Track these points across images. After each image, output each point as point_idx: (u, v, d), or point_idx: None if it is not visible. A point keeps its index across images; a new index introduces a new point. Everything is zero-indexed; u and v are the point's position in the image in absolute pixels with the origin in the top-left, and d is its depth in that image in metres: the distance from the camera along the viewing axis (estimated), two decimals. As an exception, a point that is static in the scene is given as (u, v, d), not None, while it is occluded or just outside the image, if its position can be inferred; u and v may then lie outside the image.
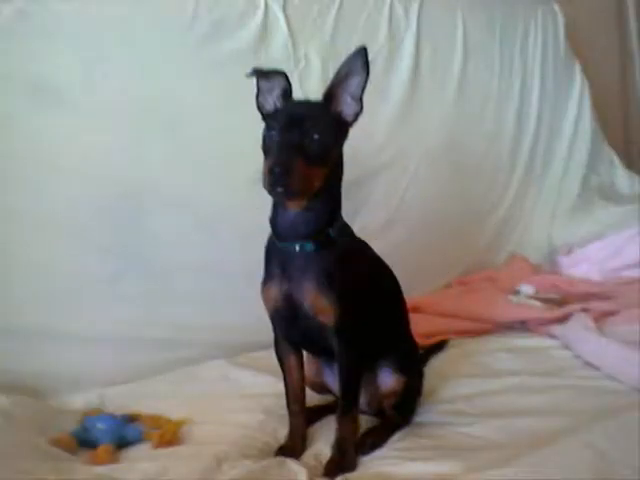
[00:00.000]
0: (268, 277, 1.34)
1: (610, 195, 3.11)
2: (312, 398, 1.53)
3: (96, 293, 1.80)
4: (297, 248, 1.28)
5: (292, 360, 1.43)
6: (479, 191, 2.83)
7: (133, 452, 1.40)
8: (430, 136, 2.61)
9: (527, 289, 2.41)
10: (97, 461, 1.33)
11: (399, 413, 1.48)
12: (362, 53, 1.26)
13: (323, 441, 1.41)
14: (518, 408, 1.52)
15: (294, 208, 1.27)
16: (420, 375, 1.56)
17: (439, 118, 2.67)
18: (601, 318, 2.06)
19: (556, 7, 3.19)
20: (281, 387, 1.45)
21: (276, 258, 1.32)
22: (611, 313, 2.12)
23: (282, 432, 1.45)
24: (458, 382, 1.71)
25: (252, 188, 1.23)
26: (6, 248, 1.68)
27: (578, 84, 3.19)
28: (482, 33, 2.86)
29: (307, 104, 1.33)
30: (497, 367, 1.82)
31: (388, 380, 1.45)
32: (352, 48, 1.27)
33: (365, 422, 1.46)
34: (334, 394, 1.52)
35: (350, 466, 1.30)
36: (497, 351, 1.94)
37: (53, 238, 1.75)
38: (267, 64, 1.38)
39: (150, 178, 1.88)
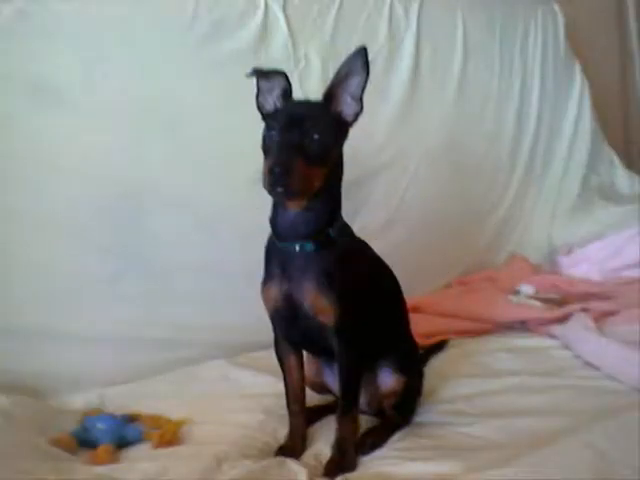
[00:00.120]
0: (268, 277, 1.34)
1: (610, 195, 3.11)
2: (312, 398, 1.53)
3: (96, 293, 1.80)
4: (297, 248, 1.28)
5: (292, 360, 1.43)
6: (479, 191, 2.83)
7: (133, 452, 1.40)
8: (430, 136, 2.61)
9: (527, 289, 2.41)
10: (97, 461, 1.33)
11: (399, 413, 1.48)
12: (362, 53, 1.26)
13: (323, 441, 1.41)
14: (518, 408, 1.52)
15: (294, 208, 1.27)
16: (420, 375, 1.56)
17: (439, 118, 2.67)
18: (601, 318, 2.06)
19: (556, 7, 3.19)
20: (281, 387, 1.45)
21: (276, 258, 1.32)
22: (611, 313, 2.12)
23: (282, 432, 1.45)
24: (458, 382, 1.71)
25: (252, 188, 1.23)
26: (6, 248, 1.68)
27: (578, 84, 3.19)
28: (482, 33, 2.86)
29: (307, 104, 1.33)
30: (497, 367, 1.82)
31: (388, 380, 1.45)
32: (352, 48, 1.27)
33: (365, 422, 1.46)
34: (334, 394, 1.52)
35: (350, 466, 1.30)
36: (497, 351, 1.94)
37: (53, 238, 1.75)
38: (267, 64, 1.38)
39: (150, 178, 1.88)
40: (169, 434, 1.42)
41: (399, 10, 2.54)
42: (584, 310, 2.10)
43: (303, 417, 1.44)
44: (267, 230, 1.34)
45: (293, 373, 1.43)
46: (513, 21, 3.00)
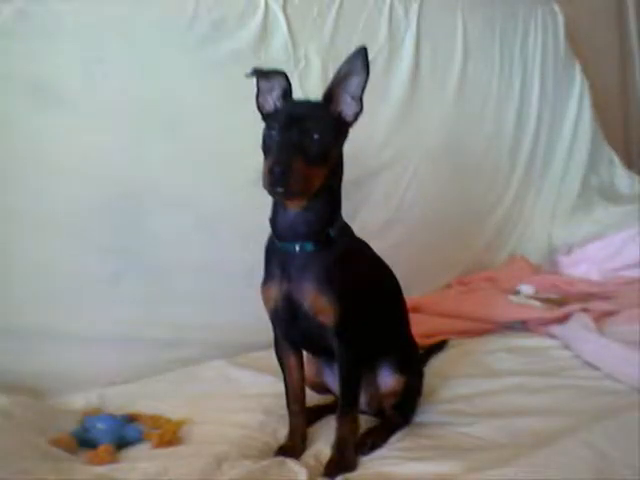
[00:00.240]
0: (268, 277, 1.34)
1: (610, 195, 3.11)
2: (312, 398, 1.53)
3: (96, 293, 1.80)
4: (297, 248, 1.28)
5: (292, 360, 1.43)
6: (479, 191, 2.83)
7: (133, 452, 1.40)
8: (430, 136, 2.61)
9: (527, 289, 2.41)
10: (97, 461, 1.32)
11: (399, 413, 1.48)
12: (362, 53, 1.26)
13: (323, 441, 1.41)
14: (518, 408, 1.52)
15: (294, 208, 1.27)
16: (420, 375, 1.56)
17: (439, 118, 2.67)
18: (601, 318, 2.07)
19: (556, 7, 3.19)
20: (281, 387, 1.45)
21: (276, 258, 1.32)
22: (611, 313, 2.12)
23: (282, 432, 1.45)
24: (458, 382, 1.71)
25: (252, 188, 1.23)
26: (6, 248, 1.68)
27: (578, 84, 3.19)
28: (482, 33, 2.86)
29: (307, 104, 1.33)
30: (497, 367, 1.82)
31: (388, 380, 1.45)
32: (352, 48, 1.27)
33: (365, 422, 1.46)
34: (334, 394, 1.52)
35: (350, 466, 1.30)
36: (497, 351, 1.94)
37: (53, 238, 1.75)
38: (267, 64, 1.38)
39: (150, 178, 1.88)
40: (169, 434, 1.42)
41: (399, 10, 2.54)
42: (584, 310, 2.10)
43: (303, 417, 1.44)
44: (267, 230, 1.34)
45: (293, 373, 1.43)
46: (513, 21, 3.01)
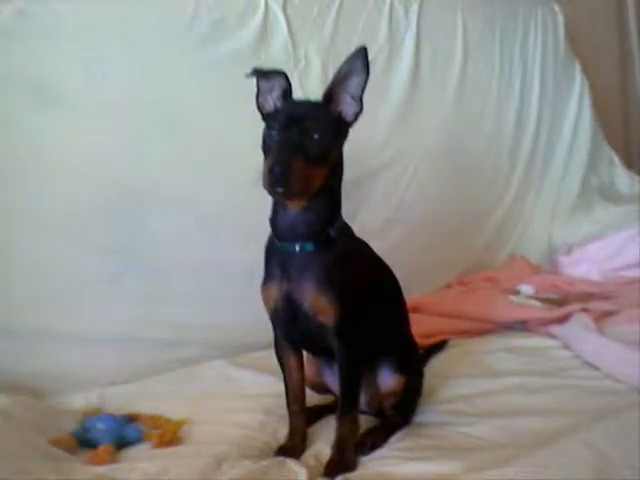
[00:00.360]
0: (268, 277, 1.34)
1: (610, 195, 3.11)
2: (312, 398, 1.53)
3: (96, 293, 1.80)
4: (297, 248, 1.28)
5: (292, 360, 1.43)
6: (479, 191, 2.83)
7: (133, 452, 1.40)
8: (430, 136, 2.61)
9: (527, 289, 2.41)
10: (97, 461, 1.32)
11: (399, 413, 1.48)
12: (362, 53, 1.26)
13: (323, 441, 1.41)
14: (518, 408, 1.52)
15: (294, 208, 1.27)
16: (420, 375, 1.56)
17: (439, 118, 2.67)
18: (601, 318, 2.07)
19: (556, 7, 3.19)
20: (281, 387, 1.45)
21: (276, 258, 1.32)
22: (611, 313, 2.12)
23: (282, 432, 1.45)
24: (458, 382, 1.71)
25: (252, 188, 1.23)
26: (6, 248, 1.68)
27: (578, 84, 3.19)
28: (482, 33, 2.86)
29: (307, 104, 1.33)
30: (497, 367, 1.82)
31: (388, 380, 1.45)
32: (352, 48, 1.27)
33: (365, 422, 1.46)
34: (334, 394, 1.52)
35: (350, 466, 1.30)
36: (497, 351, 1.94)
37: (53, 238, 1.75)
38: (267, 64, 1.38)
39: (150, 178, 1.88)
40: (169, 434, 1.42)
41: (399, 10, 2.54)
42: (584, 310, 2.10)
43: (303, 417, 1.44)
44: (267, 230, 1.34)
45: (293, 373, 1.43)
46: (513, 21, 3.01)
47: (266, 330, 1.42)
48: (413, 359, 1.56)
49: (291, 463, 1.29)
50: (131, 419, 1.51)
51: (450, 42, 2.74)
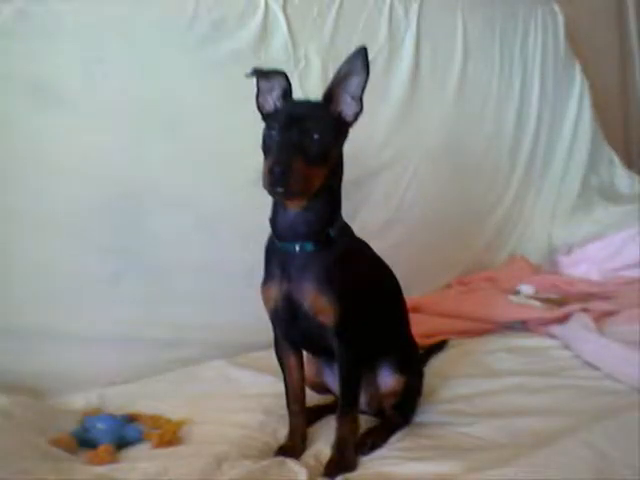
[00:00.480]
0: (268, 277, 1.34)
1: (610, 195, 3.11)
2: (312, 398, 1.53)
3: (96, 293, 1.80)
4: (297, 248, 1.28)
5: (292, 360, 1.43)
6: (479, 191, 2.83)
7: (133, 452, 1.40)
8: (430, 136, 2.61)
9: (527, 289, 2.41)
10: (97, 461, 1.32)
11: (399, 413, 1.48)
12: (362, 53, 1.26)
13: (323, 441, 1.41)
14: (518, 408, 1.52)
15: (294, 208, 1.27)
16: (420, 375, 1.56)
17: (439, 118, 2.67)
18: (601, 318, 2.07)
19: (556, 7, 3.19)
20: (281, 387, 1.45)
21: (276, 258, 1.32)
22: (611, 313, 2.12)
23: (282, 432, 1.45)
24: (458, 382, 1.71)
25: (252, 188, 1.23)
26: (6, 248, 1.68)
27: (578, 84, 3.19)
28: (482, 33, 2.86)
29: (307, 104, 1.33)
30: (497, 367, 1.82)
31: (388, 380, 1.45)
32: (352, 48, 1.27)
33: (365, 422, 1.46)
34: (334, 394, 1.52)
35: (350, 466, 1.30)
36: (497, 351, 1.94)
37: (53, 238, 1.75)
38: (267, 64, 1.38)
39: (150, 178, 1.88)
40: (169, 434, 1.42)
41: (399, 10, 2.54)
42: (584, 310, 2.10)
43: (303, 417, 1.44)
44: (267, 230, 1.34)
45: (293, 373, 1.43)
46: (513, 21, 3.01)
47: (266, 330, 1.42)
48: (413, 359, 1.56)
49: (291, 463, 1.29)
50: (131, 419, 1.51)
51: (450, 42, 2.74)
